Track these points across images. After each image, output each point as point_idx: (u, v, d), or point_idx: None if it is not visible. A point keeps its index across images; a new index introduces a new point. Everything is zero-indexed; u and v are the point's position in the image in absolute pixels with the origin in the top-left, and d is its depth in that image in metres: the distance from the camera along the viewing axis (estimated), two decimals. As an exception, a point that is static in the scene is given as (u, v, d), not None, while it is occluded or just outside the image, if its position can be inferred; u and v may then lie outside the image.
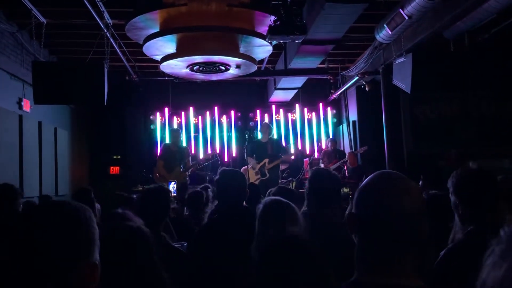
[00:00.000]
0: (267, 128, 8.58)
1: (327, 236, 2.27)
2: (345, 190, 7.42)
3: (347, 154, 9.20)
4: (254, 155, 8.35)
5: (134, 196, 5.10)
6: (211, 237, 2.88)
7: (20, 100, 7.62)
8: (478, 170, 2.19)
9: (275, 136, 9.30)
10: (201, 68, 7.27)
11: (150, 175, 8.50)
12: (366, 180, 1.35)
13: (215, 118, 11.34)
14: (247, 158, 8.28)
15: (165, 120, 11.18)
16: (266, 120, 11.14)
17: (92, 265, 1.17)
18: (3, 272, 1.15)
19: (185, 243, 3.33)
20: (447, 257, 2.04)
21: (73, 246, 1.15)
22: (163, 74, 8.59)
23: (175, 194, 7.53)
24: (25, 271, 1.13)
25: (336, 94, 10.61)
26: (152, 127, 11.07)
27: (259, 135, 9.16)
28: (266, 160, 8.26)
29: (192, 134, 11.25)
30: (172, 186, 7.39)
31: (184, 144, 8.87)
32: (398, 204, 1.25)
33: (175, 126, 10.83)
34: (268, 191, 5.54)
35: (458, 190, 2.15)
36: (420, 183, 4.84)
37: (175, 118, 11.21)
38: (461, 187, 2.14)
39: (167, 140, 9.62)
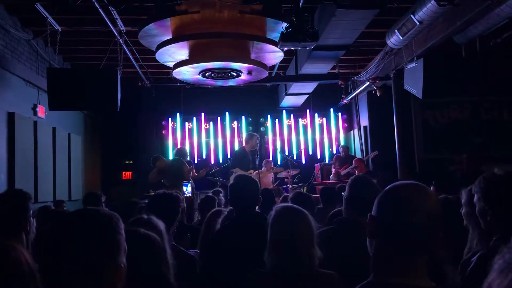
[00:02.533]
0: (250, 138, 8.62)
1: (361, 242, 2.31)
2: None
3: (353, 161, 9.19)
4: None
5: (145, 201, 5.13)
6: (224, 243, 2.90)
7: (35, 106, 7.75)
8: (508, 174, 2.06)
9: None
10: (212, 74, 7.32)
11: (162, 181, 8.55)
12: (388, 187, 1.42)
13: (226, 123, 11.40)
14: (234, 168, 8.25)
15: (177, 125, 11.26)
16: (277, 125, 11.20)
17: (119, 267, 1.27)
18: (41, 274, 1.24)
19: (198, 251, 3.34)
20: (479, 264, 1.94)
21: (104, 250, 1.25)
22: (175, 80, 8.67)
23: (190, 195, 7.62)
24: (59, 274, 1.22)
25: (347, 100, 10.62)
26: (164, 132, 11.16)
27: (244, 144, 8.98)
28: (251, 171, 8.27)
29: (204, 140, 11.31)
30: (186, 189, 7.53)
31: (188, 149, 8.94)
32: (417, 210, 1.32)
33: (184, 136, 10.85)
34: (282, 196, 5.58)
35: (487, 196, 2.03)
36: (431, 188, 4.84)
37: (186, 123, 11.28)
38: (491, 193, 2.02)
39: (178, 146, 9.62)
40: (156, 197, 3.27)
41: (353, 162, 9.23)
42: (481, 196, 2.05)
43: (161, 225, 2.21)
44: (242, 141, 8.68)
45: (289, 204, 2.35)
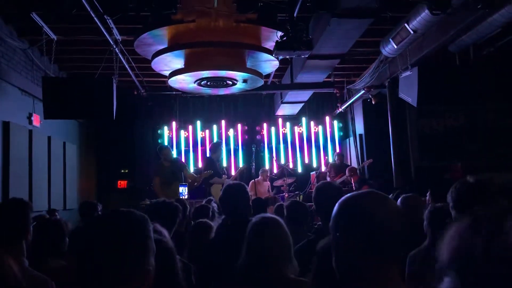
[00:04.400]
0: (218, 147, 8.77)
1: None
2: None
3: (346, 170, 9.23)
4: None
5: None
6: (217, 250, 2.90)
7: (30, 115, 7.73)
8: (474, 181, 2.16)
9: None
10: (208, 83, 7.35)
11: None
12: (344, 198, 1.41)
13: (222, 132, 11.41)
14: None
15: (172, 134, 11.26)
16: (273, 133, 11.23)
17: (148, 270, 1.29)
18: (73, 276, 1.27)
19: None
20: None
21: (134, 253, 1.27)
22: (171, 88, 8.69)
23: (186, 197, 7.65)
24: (89, 275, 1.25)
25: (343, 108, 10.66)
26: (160, 141, 11.14)
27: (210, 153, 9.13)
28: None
29: (200, 148, 11.31)
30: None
31: (183, 159, 8.97)
32: (376, 214, 1.32)
33: (179, 137, 10.86)
34: (276, 205, 5.58)
35: (454, 204, 2.17)
36: (427, 196, 4.85)
37: (182, 132, 11.28)
38: (457, 200, 2.15)
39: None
40: (155, 204, 3.27)
41: (346, 171, 9.26)
42: (451, 204, 2.18)
43: (165, 232, 2.21)
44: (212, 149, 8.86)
45: (266, 214, 2.36)
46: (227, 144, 11.34)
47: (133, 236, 1.28)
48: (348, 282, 1.34)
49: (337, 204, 1.41)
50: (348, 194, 1.42)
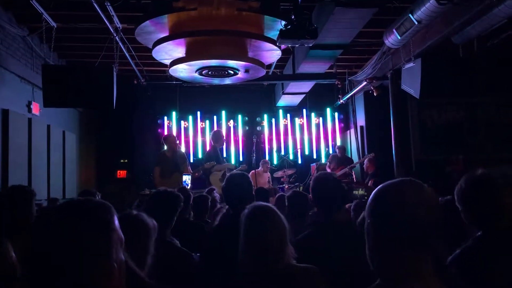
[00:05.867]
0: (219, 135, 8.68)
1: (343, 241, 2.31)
2: (361, 192, 7.46)
3: (365, 162, 9.09)
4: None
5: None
6: (219, 240, 2.88)
7: (30, 103, 7.67)
8: (479, 176, 2.16)
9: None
10: (209, 72, 7.28)
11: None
12: (380, 186, 1.37)
13: (222, 122, 11.36)
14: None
15: (172, 124, 11.20)
16: (273, 124, 11.19)
17: (111, 265, 1.16)
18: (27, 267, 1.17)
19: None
20: (454, 263, 2.04)
21: (92, 245, 1.14)
22: (171, 78, 8.62)
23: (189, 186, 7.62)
24: (46, 267, 1.13)
25: (344, 99, 10.60)
26: (159, 131, 11.09)
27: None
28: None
29: (200, 139, 11.26)
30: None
31: (183, 149, 8.86)
32: (414, 206, 1.28)
33: (176, 131, 10.82)
34: (277, 195, 5.57)
35: (460, 198, 2.17)
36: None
37: (182, 122, 11.23)
38: (463, 195, 2.16)
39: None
40: (157, 194, 3.25)
41: (365, 162, 9.11)
42: (457, 199, 2.19)
43: (150, 222, 2.16)
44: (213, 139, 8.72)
45: (261, 203, 2.33)
46: (228, 135, 11.29)
47: (90, 228, 1.14)
48: (381, 276, 1.30)
49: (374, 191, 1.38)
50: (387, 182, 1.38)
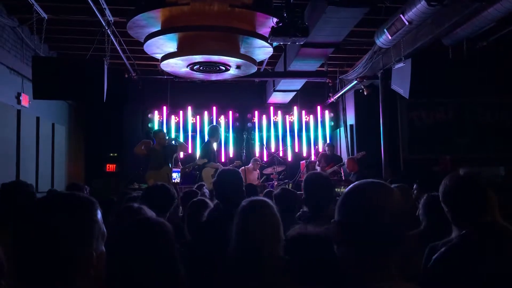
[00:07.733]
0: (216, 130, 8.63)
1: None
2: (343, 189, 7.47)
3: (345, 160, 9.22)
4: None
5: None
6: (207, 235, 2.90)
7: (19, 94, 7.61)
8: (462, 176, 2.23)
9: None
10: (201, 68, 7.27)
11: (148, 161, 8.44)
12: (349, 188, 1.38)
13: (213, 118, 11.35)
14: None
15: (163, 118, 11.18)
16: (264, 121, 11.20)
17: (89, 254, 1.24)
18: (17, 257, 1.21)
19: None
20: (440, 261, 2.05)
21: (73, 237, 1.22)
22: (163, 72, 8.61)
23: (178, 180, 7.58)
24: (32, 256, 1.20)
25: (334, 98, 10.66)
26: (150, 125, 11.06)
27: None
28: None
29: (190, 134, 11.25)
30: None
31: (172, 141, 8.81)
32: (381, 206, 1.29)
33: (171, 124, 10.77)
34: (266, 190, 5.58)
35: (444, 198, 2.22)
36: (414, 187, 4.87)
37: (173, 117, 11.21)
38: (447, 195, 2.21)
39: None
40: (152, 188, 3.27)
41: (345, 160, 9.24)
42: (441, 198, 2.25)
43: (152, 214, 2.18)
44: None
45: (258, 197, 2.36)
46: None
47: (72, 220, 1.22)
48: (349, 277, 1.32)
49: (344, 197, 1.38)
50: (357, 183, 1.39)
